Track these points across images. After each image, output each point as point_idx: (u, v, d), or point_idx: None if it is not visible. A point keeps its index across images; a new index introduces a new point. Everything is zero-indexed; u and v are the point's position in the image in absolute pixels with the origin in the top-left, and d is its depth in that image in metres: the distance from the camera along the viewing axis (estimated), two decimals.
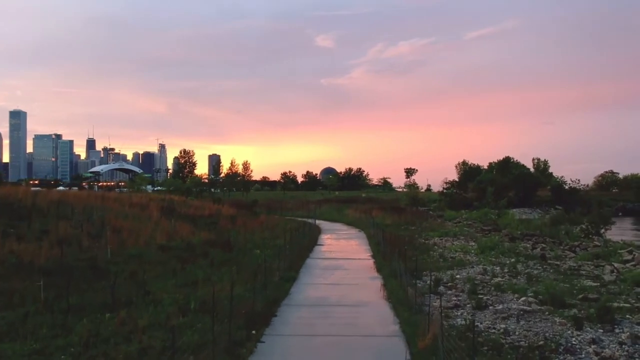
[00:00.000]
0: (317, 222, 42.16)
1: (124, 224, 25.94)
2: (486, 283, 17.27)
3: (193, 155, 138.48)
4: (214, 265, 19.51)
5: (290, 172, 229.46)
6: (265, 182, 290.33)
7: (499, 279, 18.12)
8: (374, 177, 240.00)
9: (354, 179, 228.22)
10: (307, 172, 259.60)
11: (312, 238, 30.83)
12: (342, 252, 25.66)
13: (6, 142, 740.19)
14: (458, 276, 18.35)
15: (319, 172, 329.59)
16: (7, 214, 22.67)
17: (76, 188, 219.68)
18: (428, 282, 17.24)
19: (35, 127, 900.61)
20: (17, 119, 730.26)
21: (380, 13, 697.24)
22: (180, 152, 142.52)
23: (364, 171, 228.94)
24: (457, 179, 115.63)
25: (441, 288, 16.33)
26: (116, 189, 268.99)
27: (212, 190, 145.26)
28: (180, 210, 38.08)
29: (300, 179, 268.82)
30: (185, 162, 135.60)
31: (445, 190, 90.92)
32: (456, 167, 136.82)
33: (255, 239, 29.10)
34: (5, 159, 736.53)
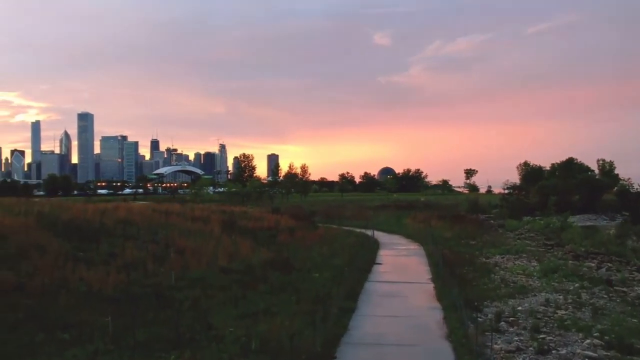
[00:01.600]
0: (375, 233, 42.00)
1: (187, 243, 26.59)
2: (549, 317, 16.90)
3: (252, 159, 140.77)
4: (274, 292, 19.78)
5: (348, 173, 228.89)
6: (323, 183, 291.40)
7: (563, 311, 17.69)
8: (433, 178, 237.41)
9: (412, 180, 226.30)
10: (365, 173, 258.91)
11: (370, 255, 30.76)
12: (401, 273, 25.52)
13: (75, 144, 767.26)
14: (520, 308, 17.99)
15: (376, 173, 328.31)
16: (77, 235, 23.63)
17: (141, 190, 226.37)
18: (489, 315, 17.07)
19: (102, 128, 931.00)
20: (85, 121, 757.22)
21: (438, 9, 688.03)
22: (240, 156, 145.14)
23: (422, 172, 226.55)
24: (518, 182, 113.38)
25: (502, 324, 16.06)
26: (179, 190, 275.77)
27: (271, 191, 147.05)
28: (241, 223, 38.74)
29: (357, 179, 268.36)
30: (245, 165, 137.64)
31: (506, 195, 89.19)
32: (517, 168, 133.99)
33: (313, 256, 29.24)
34: (74, 159, 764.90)
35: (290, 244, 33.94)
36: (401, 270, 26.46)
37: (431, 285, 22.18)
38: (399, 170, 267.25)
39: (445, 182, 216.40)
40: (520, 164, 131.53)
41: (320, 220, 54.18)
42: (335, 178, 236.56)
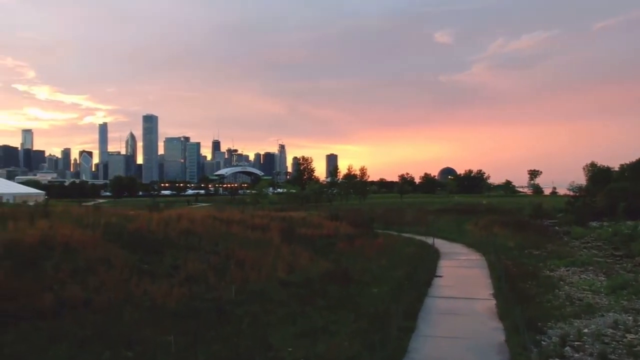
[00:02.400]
0: (436, 241, 41.48)
1: (247, 253, 26.90)
2: (617, 342, 16.25)
3: (311, 161, 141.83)
4: (332, 308, 19.79)
5: (407, 174, 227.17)
6: (382, 184, 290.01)
7: (632, 335, 16.99)
8: (495, 178, 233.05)
9: (474, 181, 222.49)
10: (425, 174, 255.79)
11: (430, 267, 30.37)
12: (462, 287, 25.05)
13: (140, 145, 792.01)
14: (586, 330, 17.37)
15: (437, 173, 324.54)
16: (142, 247, 24.27)
17: (203, 191, 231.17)
18: (553, 338, 16.56)
19: (166, 129, 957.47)
20: (150, 122, 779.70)
21: (500, 6, 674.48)
22: (300, 158, 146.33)
23: (484, 173, 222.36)
24: (584, 183, 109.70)
25: (567, 349, 15.55)
26: (239, 191, 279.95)
27: (330, 192, 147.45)
28: (300, 231, 38.96)
29: (417, 180, 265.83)
30: (304, 168, 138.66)
31: (571, 199, 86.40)
32: (584, 169, 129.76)
33: (372, 267, 29.12)
34: (139, 160, 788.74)
35: (348, 253, 33.93)
36: (462, 284, 25.99)
37: (493, 302, 21.69)
38: (460, 170, 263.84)
39: (508, 183, 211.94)
40: (586, 165, 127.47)
41: (380, 226, 53.97)
42: (395, 178, 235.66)
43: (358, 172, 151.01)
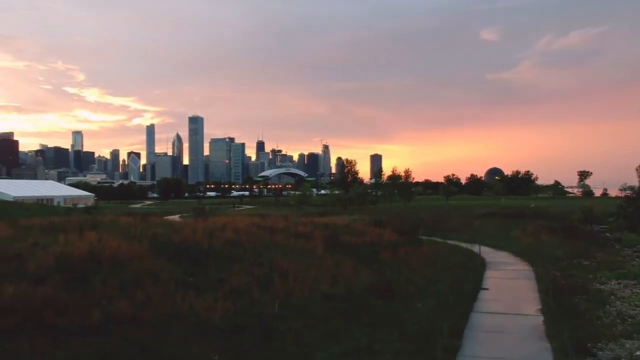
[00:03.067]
0: (482, 249, 40.84)
1: (290, 265, 26.94)
2: None
3: (355, 164, 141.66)
4: (376, 324, 19.65)
5: (453, 175, 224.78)
6: (427, 184, 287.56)
7: None
8: (544, 179, 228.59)
9: (521, 182, 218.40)
10: (471, 175, 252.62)
11: (476, 278, 29.90)
12: (508, 302, 24.55)
13: (186, 146, 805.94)
14: (638, 353, 16.83)
15: (483, 174, 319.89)
16: (187, 259, 24.58)
17: (247, 193, 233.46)
18: None
19: (211, 130, 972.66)
20: (195, 124, 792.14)
21: (548, 2, 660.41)
22: (344, 161, 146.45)
23: (532, 174, 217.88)
24: (637, 184, 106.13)
25: None
26: (283, 192, 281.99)
27: (375, 193, 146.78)
28: (343, 239, 38.86)
29: (463, 181, 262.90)
30: (348, 171, 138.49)
31: (623, 203, 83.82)
32: (637, 170, 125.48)
33: (416, 278, 28.82)
34: (185, 161, 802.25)
35: (392, 262, 33.65)
36: (508, 297, 25.49)
37: (540, 319, 21.18)
38: (507, 171, 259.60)
39: (556, 184, 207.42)
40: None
41: (424, 232, 53.44)
42: (440, 179, 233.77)
43: (402, 173, 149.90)
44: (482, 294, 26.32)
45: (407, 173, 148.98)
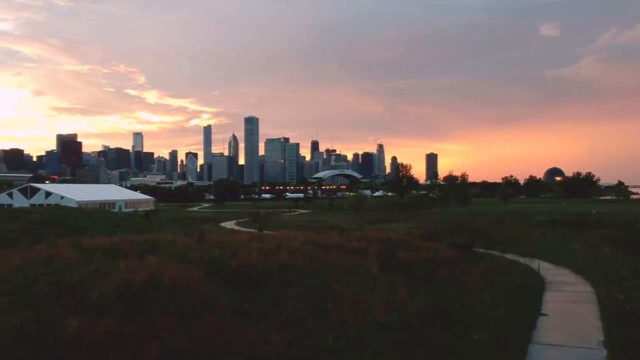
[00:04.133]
0: (541, 265, 39.87)
1: (344, 289, 26.94)
2: None
3: (410, 168, 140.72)
4: (433, 358, 19.43)
5: (511, 176, 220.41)
6: (484, 185, 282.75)
7: None
8: (606, 179, 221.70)
9: (582, 183, 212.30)
10: (530, 176, 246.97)
11: (535, 301, 29.19)
12: (569, 331, 23.81)
13: (242, 146, 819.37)
14: None
15: (542, 174, 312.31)
16: (243, 283, 24.90)
17: (302, 195, 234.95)
18: None
19: (266, 131, 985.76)
20: (251, 124, 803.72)
21: None
22: (399, 165, 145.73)
23: (593, 175, 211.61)
24: None
25: None
26: (337, 193, 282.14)
27: (430, 195, 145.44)
28: (398, 255, 38.63)
29: (522, 181, 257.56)
30: (402, 175, 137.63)
31: None
32: None
33: (473, 302, 28.35)
34: (241, 161, 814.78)
35: (449, 282, 33.24)
36: (568, 326, 24.75)
37: (603, 354, 20.47)
38: (567, 170, 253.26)
39: (619, 184, 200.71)
40: None
41: (481, 244, 52.49)
42: (497, 179, 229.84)
43: (459, 175, 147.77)
44: (541, 321, 25.64)
45: (464, 176, 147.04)
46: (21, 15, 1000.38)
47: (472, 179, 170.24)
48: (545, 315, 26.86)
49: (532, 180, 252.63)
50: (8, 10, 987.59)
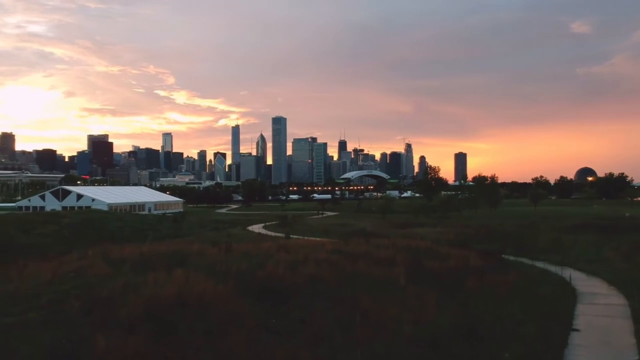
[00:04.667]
0: (572, 274, 39.13)
1: (372, 302, 26.74)
2: None
3: (439, 170, 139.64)
4: None
5: (541, 176, 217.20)
6: (514, 186, 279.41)
7: None
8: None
9: (614, 184, 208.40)
10: (561, 177, 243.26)
11: (566, 315, 28.64)
12: (602, 349, 23.26)
13: (269, 146, 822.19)
14: None
15: (573, 174, 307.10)
16: (270, 297, 24.88)
17: (329, 196, 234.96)
18: None
19: (294, 130, 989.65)
20: (279, 124, 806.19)
21: None
22: (428, 167, 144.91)
23: (627, 176, 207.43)
24: None
25: None
26: (365, 193, 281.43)
27: (459, 196, 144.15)
28: (427, 264, 38.27)
29: (552, 182, 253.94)
30: (431, 177, 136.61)
31: None
32: None
33: (503, 315, 27.89)
34: (269, 161, 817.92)
35: (478, 293, 32.76)
36: (602, 343, 24.18)
37: None
38: (599, 170, 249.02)
39: None
40: None
41: (511, 251, 51.75)
42: (526, 178, 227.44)
43: (489, 176, 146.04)
44: (573, 338, 25.11)
45: (494, 177, 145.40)
46: (53, 18, 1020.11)
47: (501, 178, 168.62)
48: (577, 330, 26.29)
49: (563, 181, 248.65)
50: (41, 13, 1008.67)
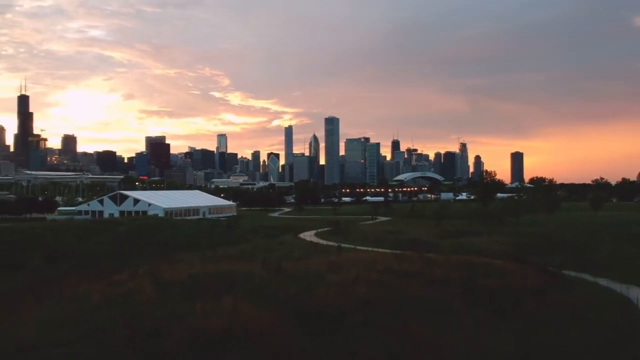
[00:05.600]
0: (638, 297, 36.97)
1: (425, 330, 25.76)
2: None
3: (495, 175, 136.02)
4: None
5: (602, 178, 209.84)
6: (572, 187, 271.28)
7: None
8: None
9: None
10: (623, 178, 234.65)
11: (633, 346, 26.92)
12: None
13: (322, 146, 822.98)
14: None
15: (636, 175, 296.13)
16: (319, 325, 24.20)
17: (382, 198, 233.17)
18: None
19: (346, 130, 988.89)
20: (331, 124, 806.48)
21: None
22: (484, 172, 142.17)
23: None
24: None
25: None
26: (419, 195, 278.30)
27: (516, 198, 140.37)
28: (483, 283, 36.88)
29: (613, 183, 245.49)
30: (487, 183, 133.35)
31: None
32: None
33: (565, 344, 26.43)
34: (322, 161, 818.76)
35: (536, 317, 31.20)
36: None
37: None
38: None
39: None
40: None
41: (570, 265, 49.41)
42: (585, 179, 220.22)
43: (547, 178, 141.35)
44: None
45: (552, 180, 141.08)
46: (112, 22, 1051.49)
47: (559, 179, 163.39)
48: None
49: (625, 182, 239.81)
50: (100, 18, 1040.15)
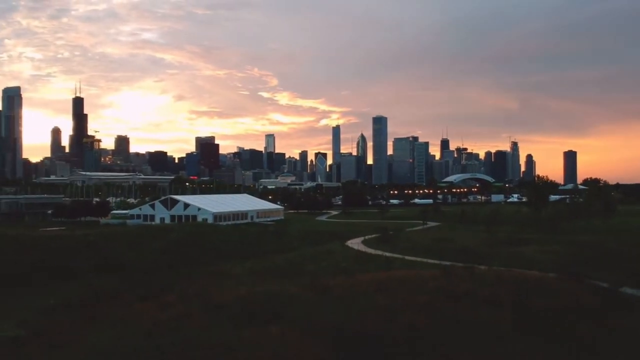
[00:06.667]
0: None
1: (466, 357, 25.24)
2: None
3: (547, 179, 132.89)
4: None
5: None
6: (628, 188, 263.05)
7: None
8: None
9: None
10: None
11: None
12: None
13: (370, 145, 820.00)
14: None
15: None
16: (366, 355, 24.02)
17: (431, 200, 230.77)
18: None
19: (394, 130, 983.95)
20: (379, 124, 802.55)
21: None
22: (536, 177, 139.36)
23: None
24: None
25: None
26: (469, 196, 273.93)
27: (569, 201, 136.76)
28: (535, 303, 35.91)
29: None
30: (539, 187, 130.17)
31: None
32: None
33: None
34: (369, 161, 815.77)
35: (592, 343, 30.11)
36: None
37: None
38: None
39: None
40: None
41: (631, 279, 47.51)
42: None
43: (602, 179, 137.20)
44: None
45: (607, 183, 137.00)
46: (164, 25, 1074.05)
47: (614, 179, 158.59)
48: None
49: None
50: (152, 21, 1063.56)
